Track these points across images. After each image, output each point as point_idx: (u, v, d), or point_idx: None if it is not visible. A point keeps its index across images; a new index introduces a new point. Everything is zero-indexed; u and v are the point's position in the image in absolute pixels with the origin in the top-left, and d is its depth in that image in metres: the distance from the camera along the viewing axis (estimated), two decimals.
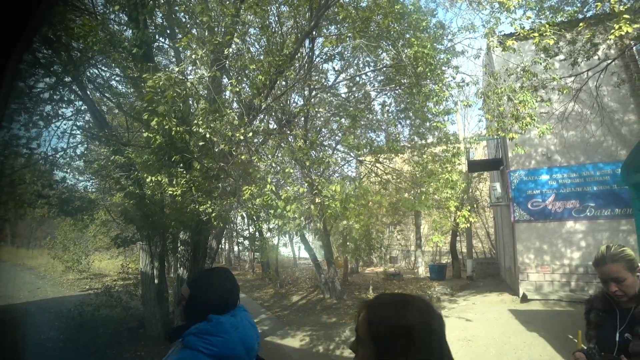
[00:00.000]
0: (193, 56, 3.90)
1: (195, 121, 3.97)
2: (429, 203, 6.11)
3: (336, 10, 5.45)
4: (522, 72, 5.49)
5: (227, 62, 4.83)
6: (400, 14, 5.14)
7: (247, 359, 1.33)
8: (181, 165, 4.14)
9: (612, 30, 4.91)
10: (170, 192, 4.02)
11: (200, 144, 4.07)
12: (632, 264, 1.65)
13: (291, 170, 5.39)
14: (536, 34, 5.04)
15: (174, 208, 4.31)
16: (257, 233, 8.93)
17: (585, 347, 1.82)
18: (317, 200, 4.79)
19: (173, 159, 4.09)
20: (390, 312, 0.96)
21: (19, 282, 11.99)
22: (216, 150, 4.21)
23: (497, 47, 5.21)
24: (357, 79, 7.15)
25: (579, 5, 6.67)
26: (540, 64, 5.59)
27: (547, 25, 4.90)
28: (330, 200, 4.63)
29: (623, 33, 4.80)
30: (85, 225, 7.51)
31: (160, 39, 5.63)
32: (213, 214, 4.08)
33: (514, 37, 5.30)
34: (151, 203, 4.42)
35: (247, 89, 5.44)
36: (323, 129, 8.41)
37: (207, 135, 3.86)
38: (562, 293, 8.62)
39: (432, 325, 0.94)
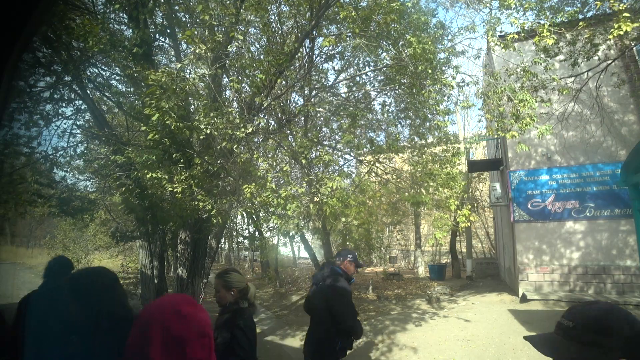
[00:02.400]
0: (197, 51, 3.89)
1: (197, 117, 3.97)
2: (428, 199, 6.11)
3: (336, 10, 5.45)
4: (522, 72, 5.49)
5: (228, 62, 4.83)
6: (400, 14, 5.13)
7: None
8: (182, 161, 4.14)
9: (612, 30, 4.91)
10: (170, 189, 4.02)
11: (202, 137, 4.07)
12: (227, 284, 2.27)
13: (289, 169, 5.38)
14: (536, 37, 5.04)
15: (174, 204, 4.31)
16: (257, 232, 8.92)
17: None
18: (315, 199, 4.79)
19: (174, 157, 4.09)
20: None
21: (19, 282, 11.97)
22: (218, 147, 4.22)
23: (497, 44, 5.22)
24: (357, 78, 7.15)
25: (579, 5, 6.67)
26: (541, 64, 5.60)
27: (545, 26, 4.89)
28: (328, 198, 4.63)
29: (622, 33, 4.79)
30: (85, 224, 7.51)
31: (161, 38, 5.63)
32: (213, 211, 4.08)
33: (514, 34, 5.31)
34: (152, 196, 4.42)
35: (247, 88, 5.44)
36: (323, 129, 8.41)
37: (208, 131, 3.86)
38: (562, 293, 8.63)
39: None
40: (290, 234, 4.78)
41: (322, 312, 3.16)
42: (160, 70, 3.83)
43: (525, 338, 1.09)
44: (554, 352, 0.97)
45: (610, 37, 5.01)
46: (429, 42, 4.70)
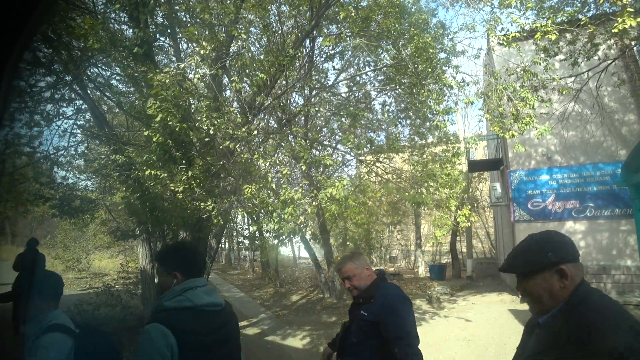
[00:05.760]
0: (202, 51, 3.89)
1: (199, 117, 3.97)
2: (429, 199, 6.12)
3: (337, 10, 5.46)
4: (522, 72, 5.49)
5: (228, 62, 4.83)
6: (401, 13, 5.14)
7: None
8: (183, 162, 4.14)
9: (616, 24, 4.90)
10: (171, 188, 4.02)
11: (206, 140, 4.08)
12: None
13: (289, 172, 5.38)
14: (538, 33, 5.04)
15: (174, 204, 4.31)
16: (257, 232, 8.92)
17: None
18: (314, 203, 4.78)
19: (174, 157, 4.09)
20: None
21: None
22: (219, 147, 4.22)
23: (499, 43, 5.22)
24: (358, 78, 7.15)
25: (578, 5, 6.66)
26: (540, 64, 5.59)
27: (548, 23, 4.90)
28: (328, 202, 4.62)
29: (627, 26, 4.78)
30: (85, 224, 7.52)
31: (161, 38, 5.62)
32: (214, 212, 4.08)
33: (516, 33, 5.32)
34: (154, 197, 4.42)
35: (248, 88, 5.44)
36: (323, 129, 8.42)
37: (211, 132, 3.87)
38: None
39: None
40: (283, 238, 4.77)
41: None
42: (164, 72, 3.83)
43: None
44: None
45: (615, 30, 4.98)
46: (429, 39, 4.71)
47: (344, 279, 2.18)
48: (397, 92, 6.85)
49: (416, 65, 4.91)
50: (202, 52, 3.88)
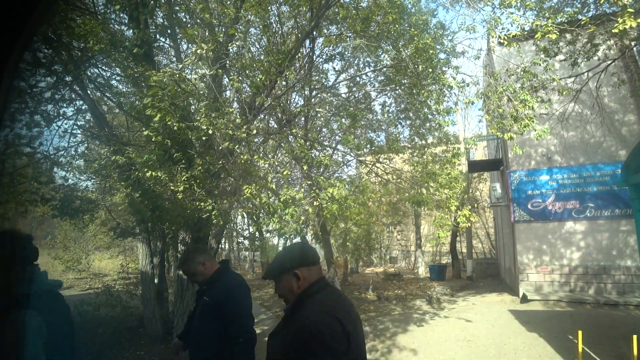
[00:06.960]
0: (199, 51, 3.89)
1: (198, 117, 3.98)
2: (429, 199, 6.12)
3: (337, 10, 5.46)
4: (522, 72, 5.49)
5: (228, 62, 4.83)
6: (400, 13, 5.14)
7: None
8: (183, 162, 4.15)
9: (616, 25, 4.91)
10: (171, 189, 4.03)
11: (204, 138, 4.08)
12: None
13: (289, 173, 5.38)
14: (538, 33, 5.05)
15: (175, 204, 4.31)
16: (257, 233, 8.92)
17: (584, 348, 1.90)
18: (315, 203, 4.79)
19: (174, 157, 4.09)
20: None
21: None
22: (220, 148, 4.22)
23: (500, 42, 5.23)
24: (358, 79, 7.15)
25: (578, 5, 6.67)
26: (540, 65, 5.60)
27: (549, 22, 4.91)
28: (328, 202, 4.63)
29: (627, 27, 4.79)
30: (85, 224, 7.53)
31: (161, 38, 5.63)
32: (214, 212, 4.08)
33: (516, 32, 5.33)
34: (155, 196, 4.43)
35: (248, 88, 5.44)
36: (323, 129, 8.42)
37: (210, 132, 3.87)
38: (562, 293, 8.63)
39: None
40: (286, 238, 4.79)
41: None
42: (162, 71, 3.84)
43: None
44: None
45: (616, 30, 4.98)
46: (429, 39, 4.72)
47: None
48: (397, 92, 6.85)
49: (416, 66, 4.91)
50: (199, 51, 3.88)
